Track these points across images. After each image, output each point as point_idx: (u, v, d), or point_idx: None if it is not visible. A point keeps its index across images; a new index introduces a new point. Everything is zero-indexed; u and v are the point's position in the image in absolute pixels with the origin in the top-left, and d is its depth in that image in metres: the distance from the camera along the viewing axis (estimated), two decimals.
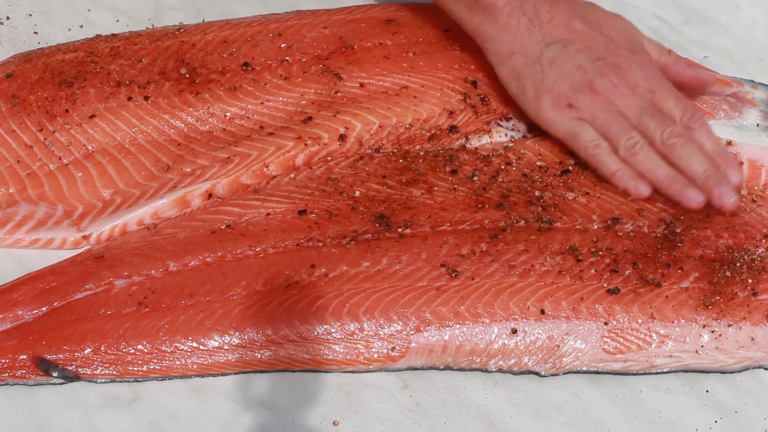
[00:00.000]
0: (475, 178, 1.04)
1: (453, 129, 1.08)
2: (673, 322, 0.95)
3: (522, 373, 0.95)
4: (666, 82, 1.03)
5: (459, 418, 0.93)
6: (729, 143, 1.08)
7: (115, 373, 0.93)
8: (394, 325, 0.94)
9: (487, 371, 0.95)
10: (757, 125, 1.13)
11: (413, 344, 0.94)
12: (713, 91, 1.14)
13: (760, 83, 1.15)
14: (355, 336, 0.94)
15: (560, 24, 1.02)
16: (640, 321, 0.95)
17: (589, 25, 1.03)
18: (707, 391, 0.95)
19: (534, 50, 1.02)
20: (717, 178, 0.99)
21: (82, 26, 1.19)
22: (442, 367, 0.95)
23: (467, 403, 0.94)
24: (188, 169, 1.04)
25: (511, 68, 1.04)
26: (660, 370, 0.95)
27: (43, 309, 0.95)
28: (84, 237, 1.01)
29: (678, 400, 0.95)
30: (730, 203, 0.98)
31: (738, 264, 0.98)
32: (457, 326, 0.94)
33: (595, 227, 1.00)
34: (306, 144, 1.06)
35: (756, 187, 1.06)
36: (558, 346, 0.94)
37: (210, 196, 1.04)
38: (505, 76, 1.05)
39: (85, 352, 0.93)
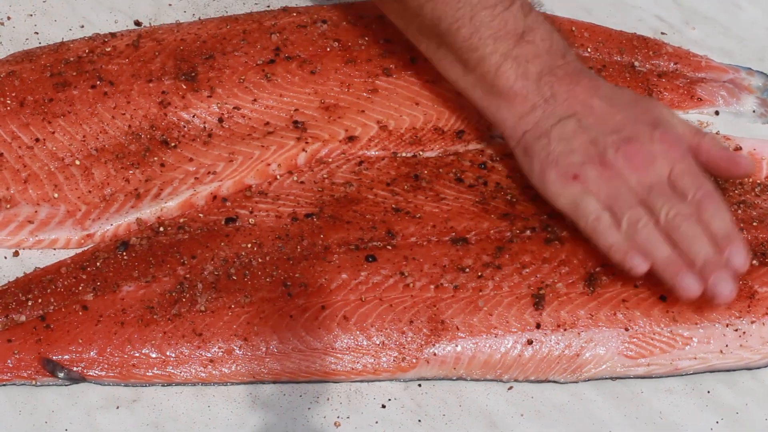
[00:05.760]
0: (480, 187, 1.03)
1: (461, 133, 1.08)
2: (696, 324, 0.95)
3: (540, 382, 0.95)
4: (687, 159, 0.96)
5: (460, 419, 0.93)
6: (728, 137, 1.08)
7: (120, 376, 0.92)
8: (404, 335, 0.93)
9: (502, 382, 0.95)
10: (754, 111, 1.14)
11: (424, 355, 0.93)
12: (710, 77, 1.14)
13: (756, 70, 1.16)
14: (364, 347, 0.93)
15: (577, 102, 0.98)
16: (662, 325, 0.95)
17: (610, 103, 0.98)
18: (708, 392, 0.95)
19: (545, 126, 0.98)
20: (715, 265, 0.91)
21: (82, 26, 1.18)
22: (455, 379, 0.94)
23: (469, 404, 0.94)
24: (191, 168, 1.04)
25: (523, 147, 0.99)
26: (685, 372, 0.95)
27: (50, 309, 0.94)
28: (88, 236, 1.01)
29: (679, 400, 0.95)
30: (724, 295, 0.91)
31: (754, 260, 0.97)
32: (470, 338, 0.93)
33: None
34: (307, 142, 1.06)
35: (759, 181, 1.05)
36: (577, 355, 0.93)
37: (215, 197, 1.03)
38: (519, 157, 1.01)
39: (91, 354, 0.92)
